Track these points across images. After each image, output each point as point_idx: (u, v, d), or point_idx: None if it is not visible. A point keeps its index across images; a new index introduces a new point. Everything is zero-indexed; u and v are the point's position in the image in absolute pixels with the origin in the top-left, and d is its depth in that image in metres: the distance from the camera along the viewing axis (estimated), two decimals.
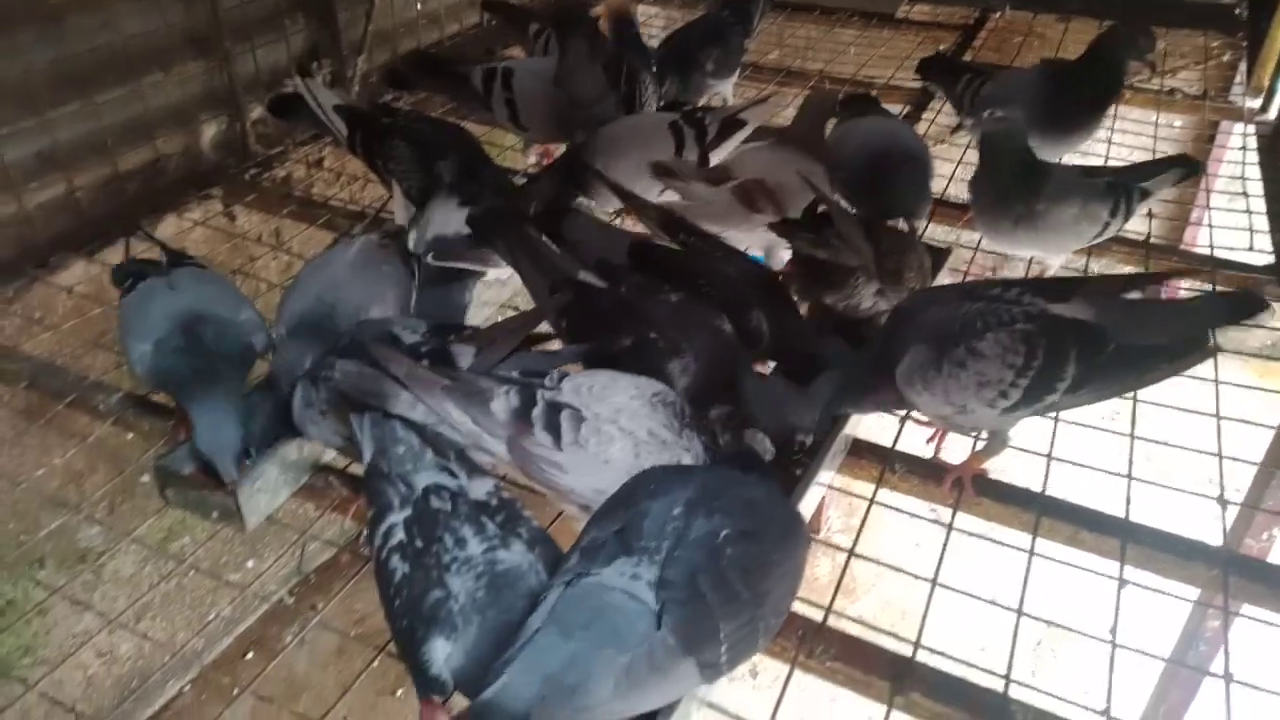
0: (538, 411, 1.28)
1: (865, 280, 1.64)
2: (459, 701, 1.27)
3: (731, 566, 1.03)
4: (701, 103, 2.78)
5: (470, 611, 1.09)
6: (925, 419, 1.63)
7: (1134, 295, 1.50)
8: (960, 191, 2.33)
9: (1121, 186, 1.99)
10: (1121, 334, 1.41)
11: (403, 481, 1.22)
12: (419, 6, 3.35)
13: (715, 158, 2.16)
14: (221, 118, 2.74)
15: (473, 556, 1.13)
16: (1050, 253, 2.10)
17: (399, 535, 1.17)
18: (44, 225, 2.34)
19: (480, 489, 1.23)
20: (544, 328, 1.64)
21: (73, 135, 2.37)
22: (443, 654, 1.07)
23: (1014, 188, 1.92)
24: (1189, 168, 2.09)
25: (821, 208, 1.76)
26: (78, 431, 1.96)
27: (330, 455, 1.66)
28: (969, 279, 2.13)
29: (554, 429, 1.27)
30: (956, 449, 1.68)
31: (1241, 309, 1.47)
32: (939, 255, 1.99)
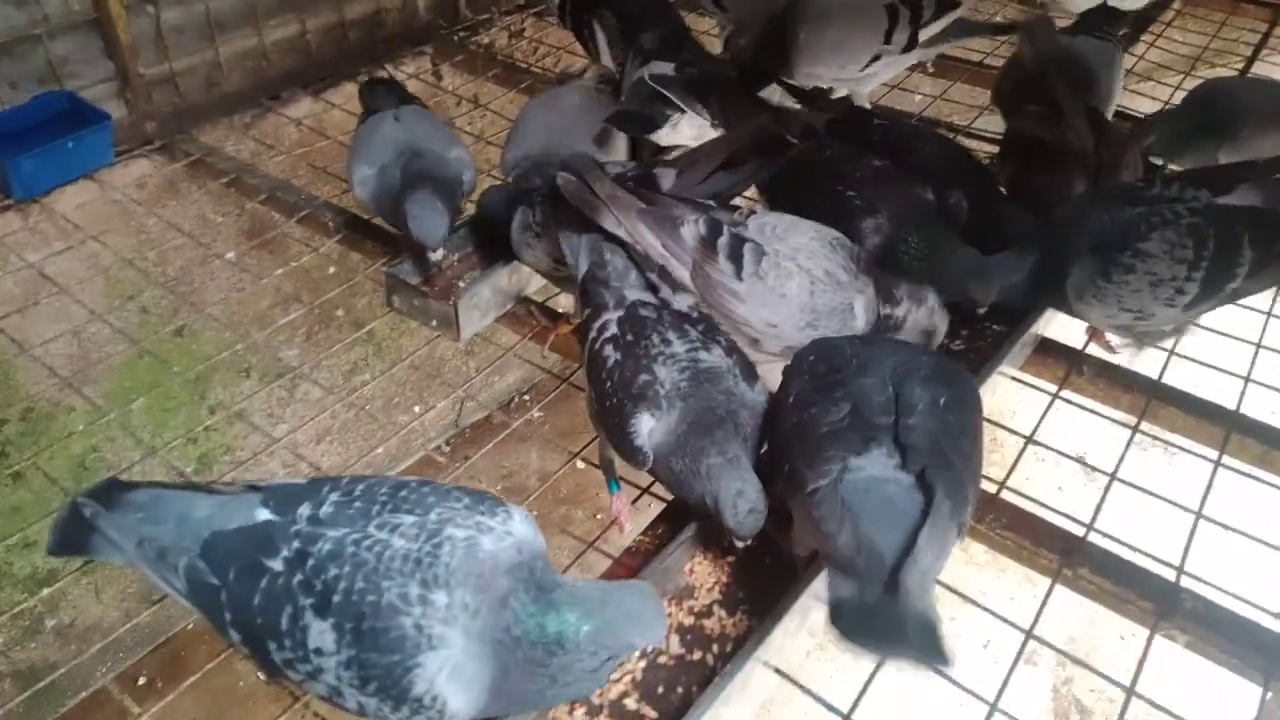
0: (723, 241, 1.34)
1: (1080, 169, 1.62)
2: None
3: (959, 432, 1.07)
4: None
5: (674, 397, 1.18)
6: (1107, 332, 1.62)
7: None
8: None
9: None
10: None
11: (615, 290, 1.32)
12: None
13: (923, 35, 2.11)
14: None
15: (678, 353, 1.22)
16: None
17: (613, 329, 1.27)
18: (278, 61, 2.54)
19: (683, 303, 1.32)
20: None
21: None
22: (647, 428, 1.18)
23: None
24: None
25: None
26: (292, 258, 2.16)
27: (535, 287, 1.78)
28: None
29: (736, 259, 1.33)
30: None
31: None
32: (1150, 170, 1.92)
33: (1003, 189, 1.79)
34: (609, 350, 1.26)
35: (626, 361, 1.23)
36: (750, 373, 1.26)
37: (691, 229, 1.35)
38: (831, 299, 1.34)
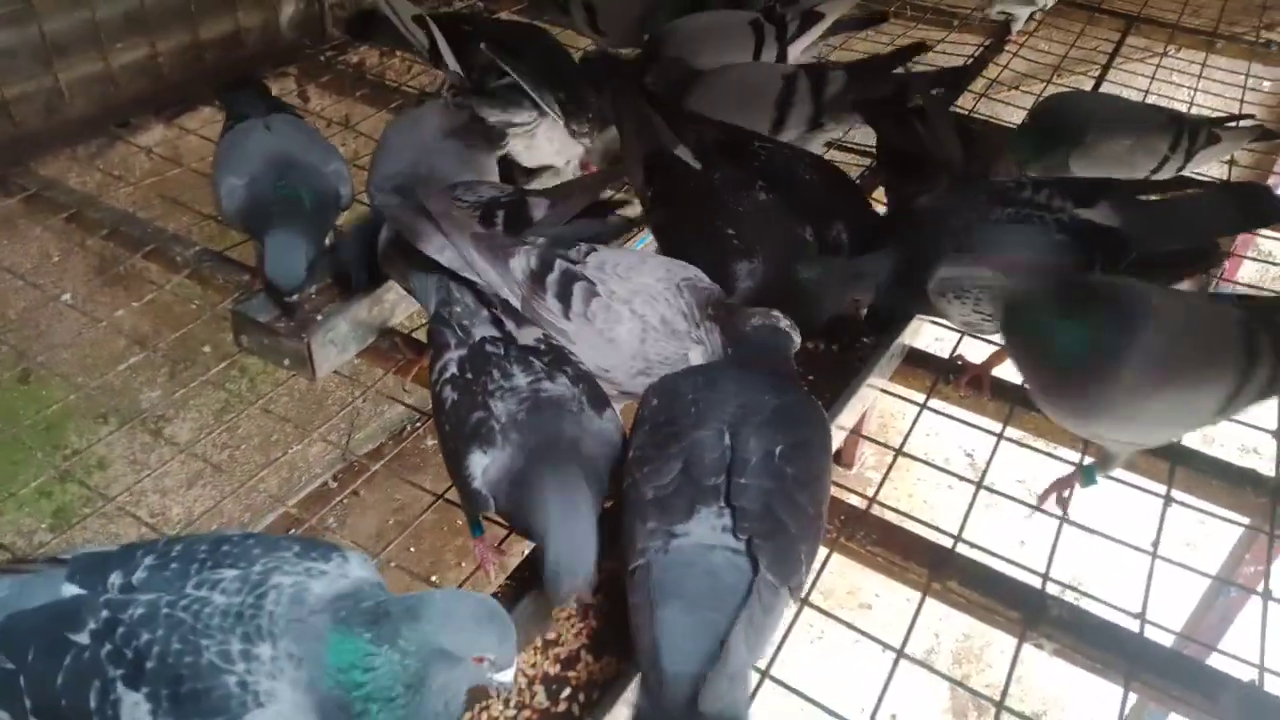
0: (553, 277, 1.29)
1: (950, 178, 1.63)
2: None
3: (795, 485, 1.04)
4: None
5: (510, 430, 1.13)
6: (953, 326, 1.63)
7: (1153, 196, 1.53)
8: None
9: (1186, 122, 1.95)
10: (1142, 241, 1.43)
11: (461, 329, 1.27)
12: None
13: (793, 53, 2.14)
14: None
15: (518, 386, 1.18)
16: None
17: (452, 369, 1.23)
18: (126, 85, 2.39)
19: (529, 336, 1.27)
20: None
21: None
22: (480, 466, 1.13)
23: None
24: (1267, 134, 2.06)
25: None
26: (146, 293, 2.03)
27: (398, 319, 1.71)
28: None
29: (565, 297, 1.28)
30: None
31: (1253, 215, 1.51)
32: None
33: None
34: (448, 392, 1.20)
35: (463, 401, 1.18)
36: (600, 401, 1.21)
37: (521, 261, 1.30)
38: (664, 348, 1.29)
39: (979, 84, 2.71)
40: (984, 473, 1.47)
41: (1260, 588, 1.32)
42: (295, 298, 1.53)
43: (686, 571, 0.97)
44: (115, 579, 0.92)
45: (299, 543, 0.96)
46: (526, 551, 1.29)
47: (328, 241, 1.66)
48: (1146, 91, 2.80)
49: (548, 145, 1.81)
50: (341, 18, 2.83)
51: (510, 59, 1.74)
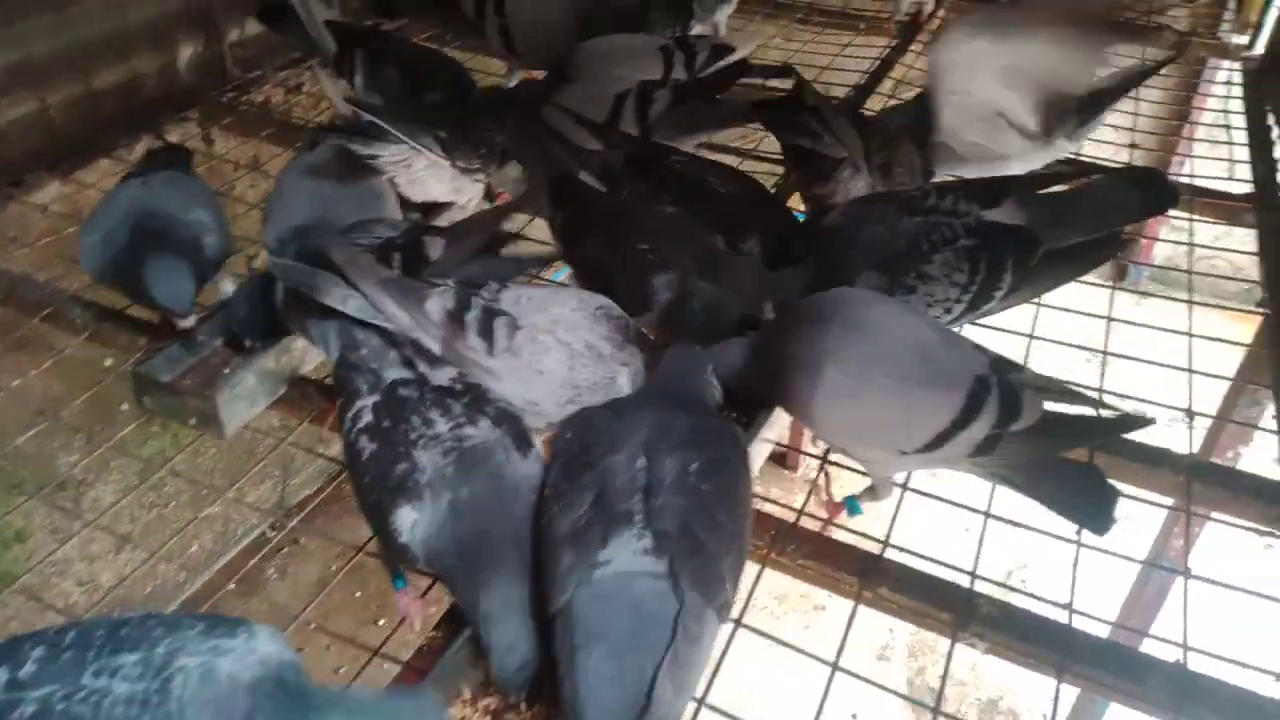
0: (472, 316, 1.27)
1: (852, 173, 1.64)
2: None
3: (713, 502, 1.03)
4: (695, 30, 2.73)
5: (438, 485, 1.10)
6: None
7: (1055, 189, 1.55)
8: None
9: None
10: (1049, 235, 1.46)
11: (371, 373, 1.23)
12: None
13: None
14: (199, 38, 2.69)
15: (440, 434, 1.14)
16: None
17: (367, 417, 1.19)
18: (17, 141, 2.30)
19: (443, 376, 1.24)
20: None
21: (45, 50, 2.32)
22: (409, 522, 1.09)
23: None
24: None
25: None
26: (50, 357, 1.95)
27: (309, 367, 1.66)
28: None
29: (488, 334, 1.26)
30: None
31: (1154, 202, 1.55)
32: (928, 171, 1.98)
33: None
34: (364, 442, 1.17)
35: (383, 451, 1.14)
36: (524, 441, 1.19)
37: (437, 302, 1.27)
38: (593, 373, 1.29)
39: (887, 85, 2.74)
40: (908, 475, 1.47)
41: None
42: (191, 320, 1.49)
43: (607, 608, 0.95)
44: (0, 676, 0.87)
45: (203, 620, 0.91)
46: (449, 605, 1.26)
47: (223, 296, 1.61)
48: None
49: (435, 183, 1.78)
50: (242, 57, 2.77)
51: (383, 100, 1.71)
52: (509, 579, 1.06)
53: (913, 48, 2.95)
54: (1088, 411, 1.32)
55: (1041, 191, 1.55)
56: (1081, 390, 1.29)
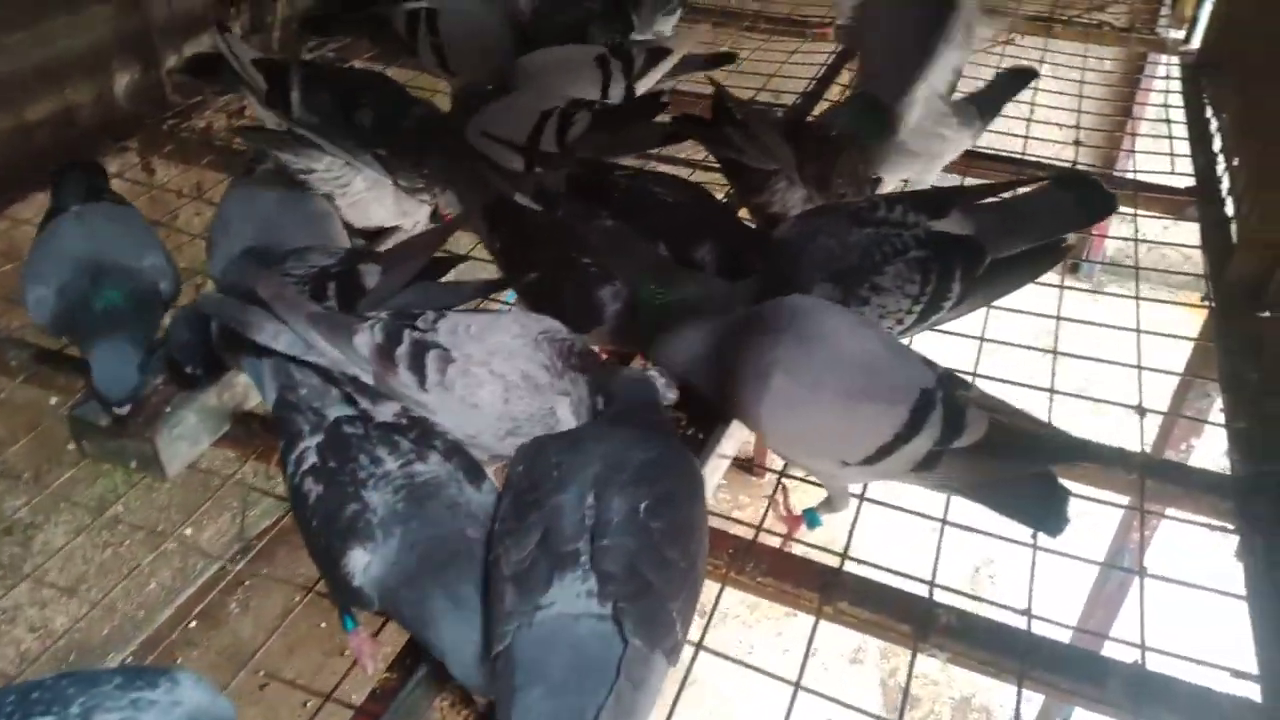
0: (402, 350, 1.23)
1: (788, 185, 1.64)
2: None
3: (663, 540, 1.01)
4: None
5: (390, 523, 1.07)
6: None
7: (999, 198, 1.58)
8: None
9: None
10: (995, 245, 1.47)
11: (312, 411, 1.20)
12: None
13: (641, 88, 2.13)
14: (136, 65, 2.63)
15: (390, 472, 1.11)
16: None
17: (311, 459, 1.15)
18: None
19: (387, 412, 1.21)
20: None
21: None
22: (361, 564, 1.06)
23: None
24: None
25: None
26: None
27: (253, 402, 1.62)
28: None
29: (419, 369, 1.22)
30: None
31: (1093, 209, 1.57)
32: (875, 180, 1.99)
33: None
34: (310, 484, 1.14)
35: (331, 492, 1.11)
36: (476, 472, 1.17)
37: (366, 336, 1.24)
38: (529, 405, 1.25)
39: (835, 90, 2.75)
40: (865, 485, 1.47)
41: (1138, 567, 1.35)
42: (127, 408, 1.43)
43: (549, 650, 0.93)
44: None
45: (121, 673, 0.88)
46: (406, 638, 1.23)
47: (160, 334, 1.57)
48: (998, 70, 2.89)
49: (378, 206, 1.75)
50: (181, 83, 2.71)
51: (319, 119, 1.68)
52: (467, 608, 1.04)
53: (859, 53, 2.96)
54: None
55: (984, 201, 1.57)
56: (1030, 416, 1.28)
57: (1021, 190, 1.61)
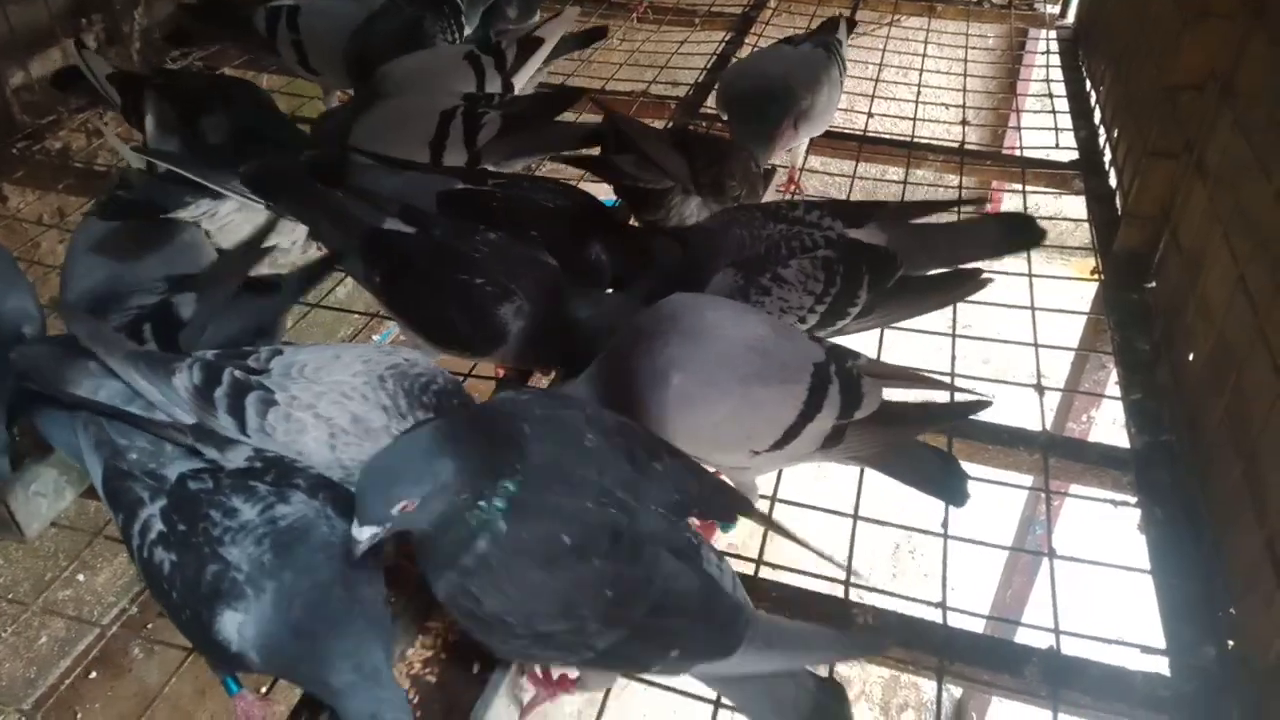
0: (220, 392, 1.13)
1: (683, 196, 1.60)
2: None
3: None
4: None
5: (260, 578, 0.99)
6: None
7: (924, 220, 1.57)
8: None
9: None
10: (910, 262, 1.47)
11: (149, 476, 1.09)
12: None
13: (519, 81, 2.06)
14: None
15: (249, 522, 1.02)
16: None
17: (157, 526, 1.04)
18: None
19: (239, 457, 1.11)
20: None
21: None
22: (235, 626, 0.98)
23: None
24: None
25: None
26: None
27: None
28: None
29: (238, 412, 1.13)
30: None
31: (1019, 240, 1.56)
32: (767, 172, 1.97)
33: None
34: (160, 554, 1.03)
35: (186, 558, 1.01)
36: (346, 504, 1.07)
37: (185, 377, 1.13)
38: (358, 451, 1.14)
39: None
40: (776, 487, 1.44)
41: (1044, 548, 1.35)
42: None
43: None
44: None
45: None
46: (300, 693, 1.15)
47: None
48: (883, 52, 2.92)
49: (250, 227, 1.63)
50: (31, 101, 2.52)
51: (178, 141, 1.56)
52: (360, 645, 0.98)
53: (748, 40, 2.95)
54: (933, 396, 1.33)
55: (909, 219, 1.56)
56: (923, 373, 1.28)
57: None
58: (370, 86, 1.96)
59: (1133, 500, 1.40)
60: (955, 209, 1.74)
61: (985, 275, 1.51)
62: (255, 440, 1.12)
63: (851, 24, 2.28)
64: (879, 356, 1.64)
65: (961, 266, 1.53)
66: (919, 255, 1.50)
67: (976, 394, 1.33)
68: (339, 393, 1.13)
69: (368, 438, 1.13)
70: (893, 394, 1.27)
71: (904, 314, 1.54)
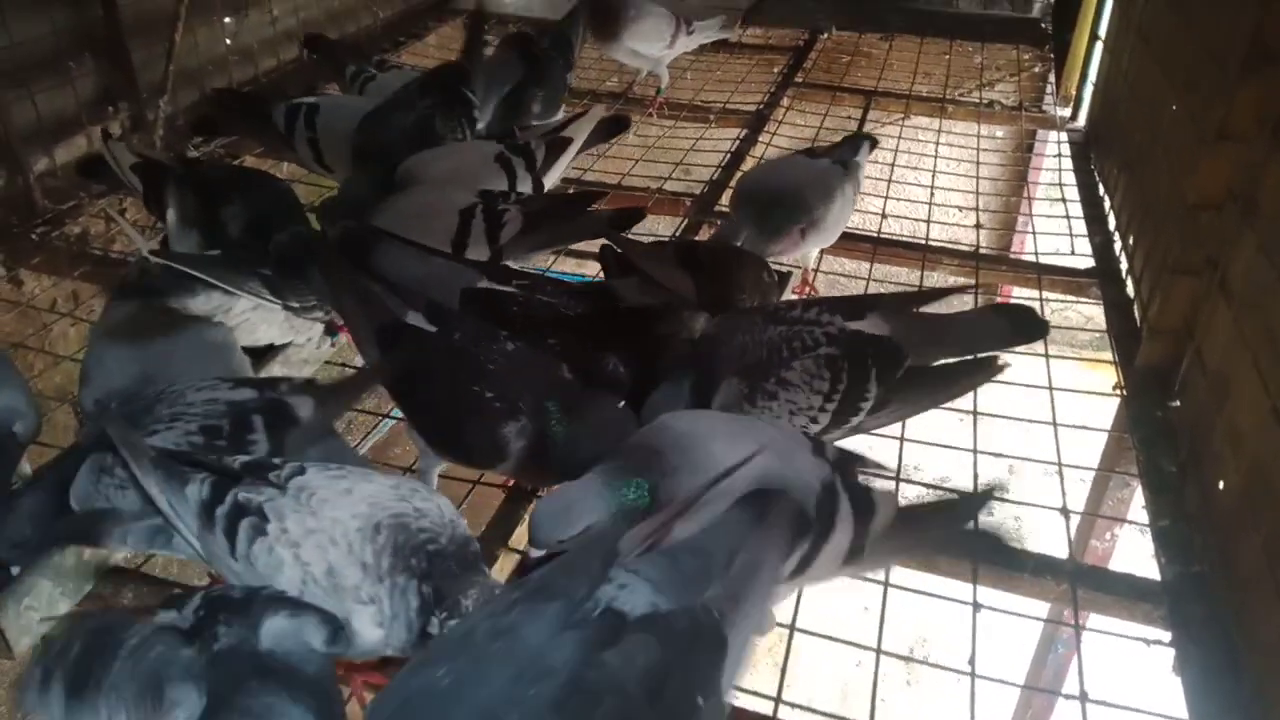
0: (222, 511, 1.11)
1: (692, 312, 1.59)
2: None
3: None
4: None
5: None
6: None
7: (927, 309, 1.56)
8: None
9: None
10: (916, 352, 1.45)
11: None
12: (228, 41, 3.12)
13: (549, 181, 2.07)
14: None
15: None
16: None
17: None
18: None
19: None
20: None
21: None
22: None
23: None
24: None
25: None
26: None
27: (121, 555, 1.46)
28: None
29: (231, 534, 1.10)
30: None
31: (1024, 331, 1.56)
32: (782, 277, 1.96)
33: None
34: None
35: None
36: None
37: (195, 489, 1.12)
38: (323, 603, 1.07)
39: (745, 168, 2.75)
40: (794, 612, 1.39)
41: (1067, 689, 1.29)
42: None
43: None
44: None
45: None
46: None
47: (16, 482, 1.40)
48: (895, 152, 2.94)
49: (265, 325, 1.63)
50: (53, 187, 2.55)
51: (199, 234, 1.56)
52: None
53: (761, 137, 2.99)
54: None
55: (912, 309, 1.55)
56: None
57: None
58: (396, 179, 1.97)
59: (1166, 639, 1.34)
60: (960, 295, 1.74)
61: (1001, 361, 1.49)
62: (240, 565, 1.10)
63: (873, 143, 2.29)
64: (899, 474, 1.61)
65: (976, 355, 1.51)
66: (925, 345, 1.48)
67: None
68: (328, 536, 1.08)
69: (334, 594, 1.07)
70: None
71: (921, 405, 1.51)
